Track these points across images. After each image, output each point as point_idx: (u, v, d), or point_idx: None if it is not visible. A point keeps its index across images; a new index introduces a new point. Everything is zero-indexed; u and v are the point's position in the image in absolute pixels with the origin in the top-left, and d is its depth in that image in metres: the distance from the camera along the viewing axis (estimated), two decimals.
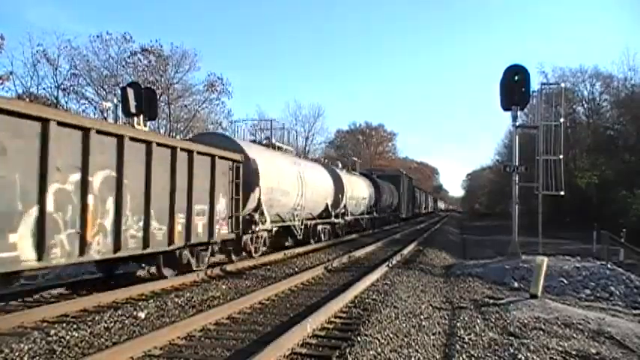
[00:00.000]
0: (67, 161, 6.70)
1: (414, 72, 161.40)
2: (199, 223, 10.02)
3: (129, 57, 33.35)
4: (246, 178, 12.18)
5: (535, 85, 17.54)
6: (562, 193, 14.50)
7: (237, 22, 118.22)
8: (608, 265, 12.40)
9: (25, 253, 6.05)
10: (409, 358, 5.47)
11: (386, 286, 9.86)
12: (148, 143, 8.38)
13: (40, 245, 6.20)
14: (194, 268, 10.32)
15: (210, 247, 10.86)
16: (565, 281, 11.19)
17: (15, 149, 5.93)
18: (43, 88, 31.40)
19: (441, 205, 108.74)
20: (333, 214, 19.97)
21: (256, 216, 12.76)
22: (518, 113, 14.73)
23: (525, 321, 7.52)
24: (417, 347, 5.86)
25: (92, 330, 6.18)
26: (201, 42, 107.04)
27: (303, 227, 16.88)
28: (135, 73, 33.35)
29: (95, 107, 31.90)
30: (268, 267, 12.25)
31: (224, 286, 9.44)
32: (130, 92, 10.47)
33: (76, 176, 6.86)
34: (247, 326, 6.73)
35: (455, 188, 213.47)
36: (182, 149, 9.37)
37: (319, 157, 36.82)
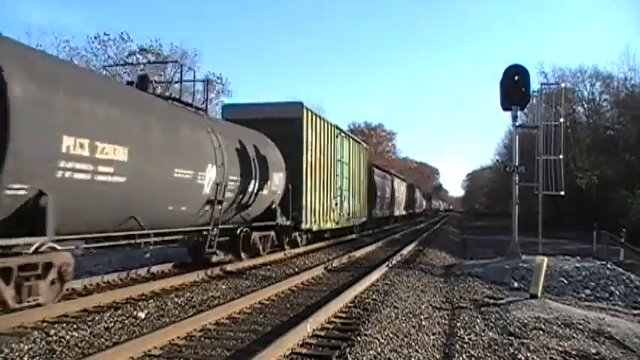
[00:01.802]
0: None
1: (415, 72, 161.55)
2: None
3: (127, 57, 33.30)
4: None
5: (535, 85, 17.53)
6: (562, 193, 14.48)
7: (237, 21, 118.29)
8: (608, 265, 12.38)
9: None
10: (409, 358, 5.47)
11: (386, 286, 9.86)
12: None
13: None
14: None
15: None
16: (565, 281, 11.18)
17: None
18: None
19: (437, 204, 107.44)
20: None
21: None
22: (518, 113, 14.73)
23: (525, 321, 7.51)
24: (417, 347, 5.86)
25: (92, 330, 6.18)
26: (200, 41, 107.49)
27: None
28: (134, 72, 33.29)
29: None
30: (268, 267, 12.25)
31: (224, 286, 9.43)
32: None
33: None
34: (247, 326, 6.73)
35: (455, 188, 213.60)
36: None
37: None
